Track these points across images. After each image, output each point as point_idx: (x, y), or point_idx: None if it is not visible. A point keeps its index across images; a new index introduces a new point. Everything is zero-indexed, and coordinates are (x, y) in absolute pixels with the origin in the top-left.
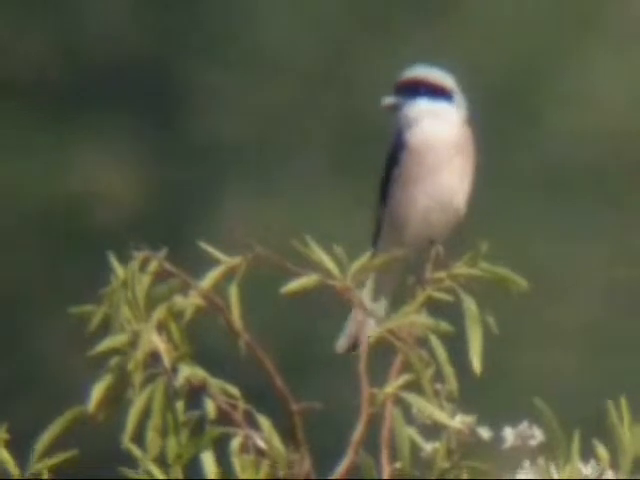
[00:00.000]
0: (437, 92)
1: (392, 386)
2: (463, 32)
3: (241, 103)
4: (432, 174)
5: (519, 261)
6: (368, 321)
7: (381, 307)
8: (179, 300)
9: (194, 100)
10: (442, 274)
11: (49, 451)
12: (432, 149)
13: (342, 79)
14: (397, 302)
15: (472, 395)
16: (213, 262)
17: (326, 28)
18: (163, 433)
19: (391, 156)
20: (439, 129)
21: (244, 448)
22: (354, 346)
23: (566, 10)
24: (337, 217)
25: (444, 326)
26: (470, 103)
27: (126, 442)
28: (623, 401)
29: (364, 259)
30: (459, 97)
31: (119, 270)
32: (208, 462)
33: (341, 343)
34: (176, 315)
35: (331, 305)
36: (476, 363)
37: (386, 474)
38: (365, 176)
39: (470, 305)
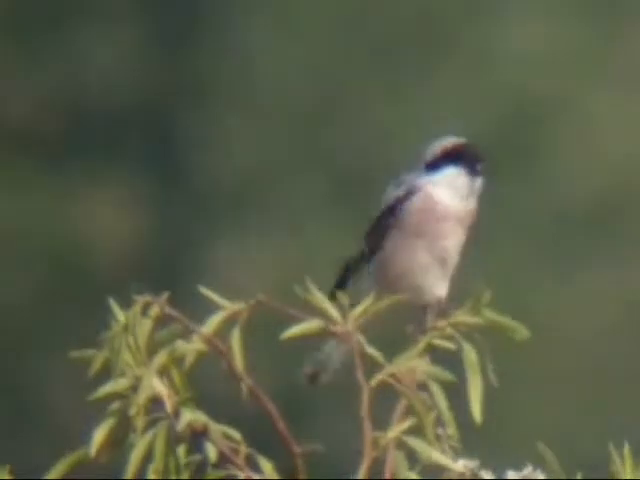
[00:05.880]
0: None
1: (395, 430)
2: (461, 77)
3: (240, 146)
4: (436, 235)
5: (518, 307)
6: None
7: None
8: (181, 345)
9: (192, 146)
10: (443, 322)
11: None
12: (448, 215)
13: (341, 119)
14: (399, 348)
15: (475, 439)
16: (210, 304)
17: (324, 69)
18: (165, 477)
19: (394, 206)
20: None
21: None
22: (314, 377)
23: (570, 56)
24: (336, 260)
25: (445, 375)
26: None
27: None
28: (625, 444)
29: (365, 304)
30: None
31: (120, 315)
32: None
33: (306, 371)
34: (178, 360)
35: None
36: (476, 413)
37: None
38: (365, 217)
39: (470, 354)
